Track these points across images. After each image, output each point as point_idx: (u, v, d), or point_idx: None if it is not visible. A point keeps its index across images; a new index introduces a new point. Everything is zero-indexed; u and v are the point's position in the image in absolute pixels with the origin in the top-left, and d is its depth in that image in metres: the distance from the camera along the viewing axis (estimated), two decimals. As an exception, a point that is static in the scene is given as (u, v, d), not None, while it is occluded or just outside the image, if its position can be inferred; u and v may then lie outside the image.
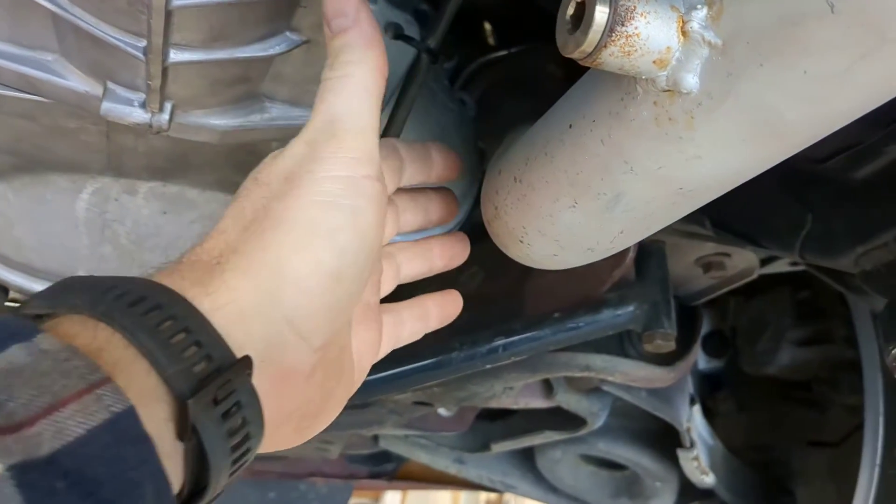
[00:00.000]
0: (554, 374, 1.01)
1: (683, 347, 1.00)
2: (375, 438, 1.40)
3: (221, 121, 0.61)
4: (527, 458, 1.46)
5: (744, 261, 0.99)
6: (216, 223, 0.50)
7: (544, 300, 0.92)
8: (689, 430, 1.20)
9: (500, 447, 1.32)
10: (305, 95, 0.61)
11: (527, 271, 0.94)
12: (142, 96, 0.57)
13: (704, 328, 1.36)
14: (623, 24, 0.37)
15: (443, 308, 0.67)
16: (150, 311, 0.41)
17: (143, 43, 0.51)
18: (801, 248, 0.73)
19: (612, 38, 0.38)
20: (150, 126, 0.58)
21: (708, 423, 1.32)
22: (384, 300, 0.63)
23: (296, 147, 0.50)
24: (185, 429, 0.39)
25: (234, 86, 0.58)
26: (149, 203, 0.74)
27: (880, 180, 0.65)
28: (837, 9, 0.32)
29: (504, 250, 0.61)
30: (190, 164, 0.70)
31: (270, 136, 0.64)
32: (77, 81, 0.58)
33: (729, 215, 0.81)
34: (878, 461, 1.10)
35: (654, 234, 0.54)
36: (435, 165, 0.64)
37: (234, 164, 0.70)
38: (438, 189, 0.66)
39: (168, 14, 0.48)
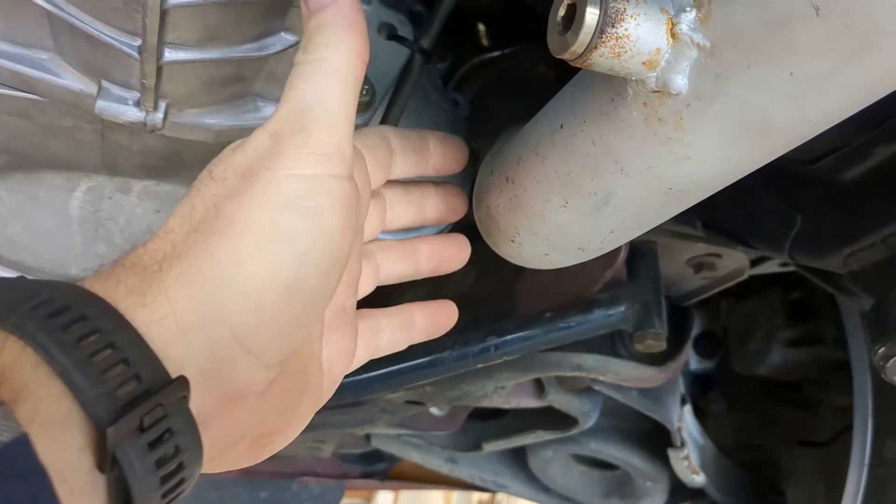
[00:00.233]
0: (545, 374, 1.01)
1: (674, 347, 1.01)
2: (367, 437, 1.40)
3: (216, 120, 0.61)
4: (518, 458, 1.46)
5: (734, 261, 0.99)
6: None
7: (536, 300, 0.92)
8: (679, 429, 1.20)
9: (491, 447, 1.32)
10: (299, 95, 0.62)
11: (519, 271, 0.94)
12: (136, 95, 0.57)
13: (696, 329, 1.37)
14: (613, 26, 0.38)
15: (432, 319, 0.61)
16: (72, 324, 0.36)
17: (138, 42, 0.52)
18: (791, 248, 0.73)
19: (603, 40, 0.38)
20: (145, 125, 0.58)
21: (699, 423, 1.33)
22: (368, 303, 0.59)
23: (258, 139, 0.46)
24: (105, 460, 0.35)
25: (228, 85, 0.59)
26: (142, 202, 0.74)
27: (868, 182, 0.66)
28: (822, 12, 0.33)
29: (495, 250, 0.62)
30: (184, 162, 0.70)
31: (264, 136, 0.64)
32: (72, 80, 0.58)
33: (719, 216, 0.82)
34: (866, 461, 1.10)
35: (646, 234, 0.55)
36: (432, 156, 0.59)
37: (227, 163, 0.70)
38: (440, 183, 0.61)
39: (163, 13, 0.48)
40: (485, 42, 1.03)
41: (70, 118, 0.63)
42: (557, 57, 0.40)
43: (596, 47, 0.38)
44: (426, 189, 0.61)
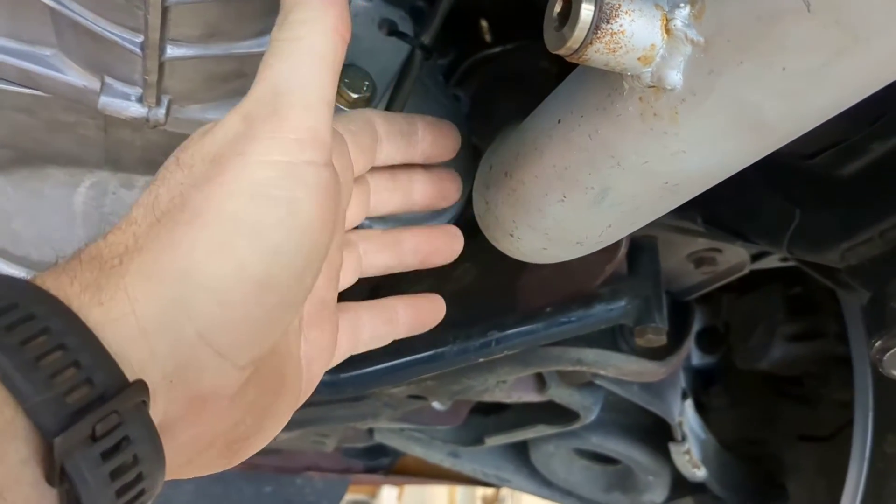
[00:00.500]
0: (546, 368, 1.02)
1: (675, 342, 1.01)
2: (370, 432, 1.41)
3: (218, 115, 0.62)
4: (521, 453, 1.47)
5: (735, 256, 1.00)
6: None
7: (537, 295, 0.93)
8: (680, 423, 1.21)
9: (493, 441, 1.33)
10: (300, 91, 0.62)
11: (520, 266, 0.94)
12: (139, 91, 0.58)
13: (698, 324, 1.37)
14: (608, 22, 0.38)
15: (417, 314, 0.58)
16: (18, 324, 0.33)
17: (140, 38, 0.52)
18: (789, 243, 0.74)
19: (598, 36, 0.39)
20: (147, 120, 0.59)
21: (701, 418, 1.34)
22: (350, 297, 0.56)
23: (229, 122, 0.42)
24: (53, 472, 0.32)
25: (229, 81, 0.59)
26: (146, 197, 0.75)
27: (865, 177, 0.66)
28: (813, 8, 0.33)
29: (495, 244, 0.62)
30: (186, 158, 0.71)
31: (266, 131, 0.65)
32: (75, 76, 0.59)
33: (719, 211, 0.82)
34: (867, 455, 1.11)
35: (647, 229, 0.55)
36: (421, 142, 0.56)
37: (230, 158, 0.71)
38: (430, 167, 0.58)
39: (164, 10, 0.49)
40: (487, 38, 1.04)
41: (73, 114, 0.63)
42: (553, 52, 0.41)
43: (591, 43, 0.39)
44: (414, 173, 0.57)
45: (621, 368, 0.98)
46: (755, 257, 1.01)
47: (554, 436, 1.31)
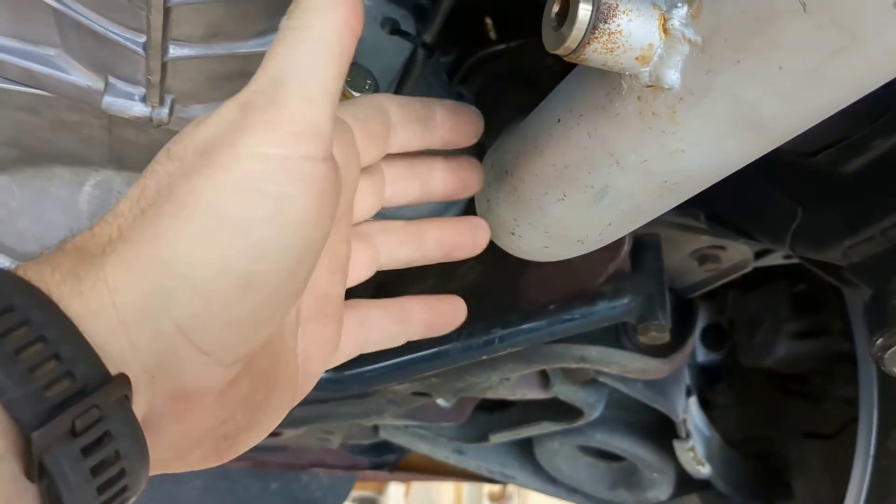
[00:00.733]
0: (550, 366, 1.02)
1: (679, 339, 1.01)
2: (376, 429, 1.42)
3: (221, 115, 0.62)
4: (525, 449, 1.47)
5: (738, 254, 1.00)
6: None
7: (540, 292, 0.93)
8: (684, 421, 1.21)
9: (498, 438, 1.33)
10: (303, 90, 0.62)
11: (523, 264, 0.94)
12: (142, 91, 0.58)
13: (702, 321, 1.37)
14: (605, 22, 0.39)
15: (434, 315, 0.56)
16: (1, 314, 0.33)
17: (143, 39, 0.53)
18: (792, 240, 0.74)
19: (595, 35, 0.39)
20: (151, 120, 0.59)
21: (706, 415, 1.34)
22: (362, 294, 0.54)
23: (225, 111, 0.40)
24: (32, 467, 0.32)
25: (232, 80, 0.59)
26: (150, 195, 0.75)
27: (868, 174, 0.66)
28: (809, 7, 0.33)
29: (497, 242, 0.62)
30: (190, 157, 0.71)
31: (268, 130, 0.65)
32: (79, 76, 0.59)
33: (722, 208, 0.82)
34: (871, 452, 1.11)
35: (650, 226, 0.55)
36: (439, 128, 0.53)
37: (233, 157, 0.71)
38: (448, 155, 0.56)
39: (167, 10, 0.49)
40: (491, 35, 1.04)
41: (77, 113, 0.64)
42: (551, 52, 0.41)
43: (589, 43, 0.39)
44: (433, 161, 0.55)
45: (625, 366, 0.98)
46: (758, 255, 1.01)
47: (558, 433, 1.31)
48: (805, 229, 0.72)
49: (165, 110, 0.59)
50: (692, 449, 1.25)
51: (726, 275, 1.04)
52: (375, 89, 0.67)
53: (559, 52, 0.40)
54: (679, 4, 0.39)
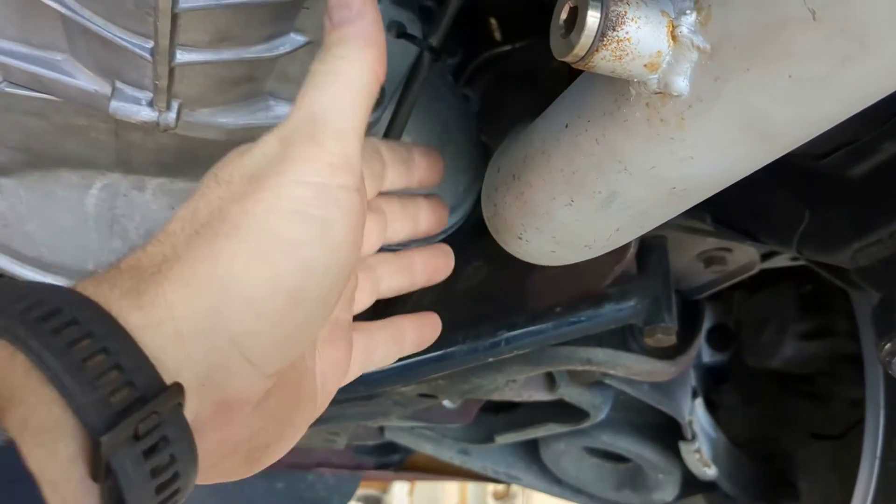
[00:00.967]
0: (556, 368, 1.02)
1: (685, 341, 1.01)
2: (381, 429, 1.42)
3: (228, 119, 0.62)
4: (531, 450, 1.47)
5: (745, 255, 0.99)
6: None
7: (547, 294, 0.93)
8: (690, 422, 1.21)
9: (503, 439, 1.33)
10: (309, 94, 0.62)
11: (530, 266, 0.95)
12: (149, 95, 0.58)
13: (709, 322, 1.37)
14: (614, 29, 0.38)
15: (420, 331, 0.62)
16: (64, 328, 0.35)
17: (150, 44, 0.53)
18: (799, 243, 0.74)
19: (604, 43, 0.39)
20: (158, 124, 0.59)
21: (712, 415, 1.33)
22: (361, 316, 0.58)
23: (267, 143, 0.45)
24: (99, 468, 0.34)
25: (239, 85, 0.59)
26: (157, 198, 0.76)
27: (876, 177, 0.66)
28: (819, 16, 0.33)
29: (503, 246, 0.62)
30: (197, 160, 0.71)
31: (275, 134, 0.65)
32: (86, 81, 0.59)
33: (729, 211, 0.82)
34: (878, 453, 1.10)
35: (656, 229, 0.55)
36: (417, 169, 0.59)
37: (240, 160, 0.71)
38: (428, 196, 0.62)
39: (174, 16, 0.49)
40: (496, 36, 1.04)
41: (84, 118, 0.64)
42: (559, 59, 0.41)
43: (597, 50, 0.39)
44: (418, 202, 0.61)
45: (631, 368, 0.98)
46: (765, 256, 1.01)
47: (564, 434, 1.31)
48: (812, 232, 0.72)
49: (172, 115, 0.59)
50: (698, 450, 1.24)
51: (733, 276, 1.04)
52: (382, 93, 0.67)
53: (567, 59, 0.40)
54: (688, 11, 0.39)
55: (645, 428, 1.30)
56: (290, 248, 0.42)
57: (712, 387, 1.42)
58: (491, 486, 4.10)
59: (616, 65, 0.39)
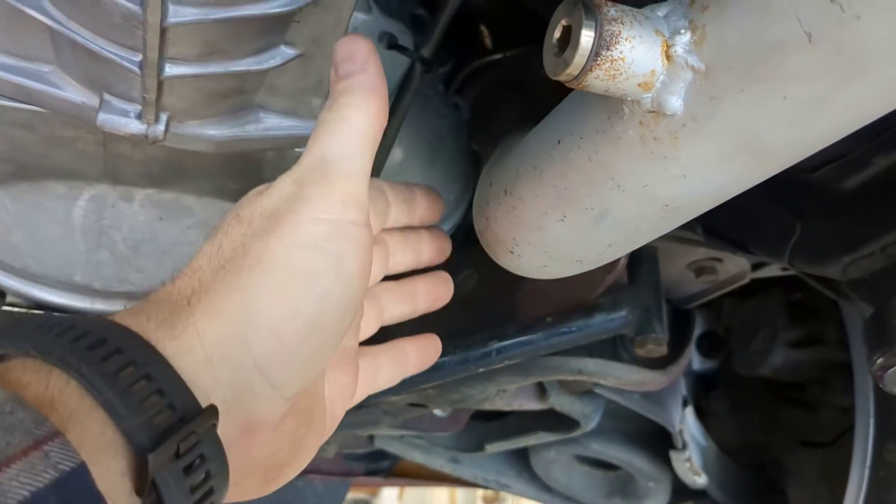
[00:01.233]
0: (546, 378, 1.01)
1: (676, 351, 1.01)
2: (371, 438, 1.41)
3: (217, 131, 0.62)
4: (521, 458, 1.47)
5: (735, 266, 0.99)
6: (198, 251, 0.48)
7: (538, 304, 0.93)
8: (681, 431, 1.21)
9: (494, 448, 1.32)
10: (300, 107, 0.62)
11: (521, 276, 0.94)
12: (138, 108, 0.57)
13: (698, 329, 1.37)
14: (608, 49, 0.38)
15: (422, 353, 0.65)
16: (110, 356, 0.38)
17: (139, 57, 0.52)
18: (790, 255, 0.73)
19: (598, 62, 0.38)
20: (146, 137, 0.59)
21: (701, 423, 1.33)
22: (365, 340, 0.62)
23: (283, 184, 0.49)
24: (145, 485, 0.37)
25: (229, 97, 0.59)
26: (145, 209, 0.75)
27: (868, 190, 0.66)
28: (815, 38, 0.33)
29: (495, 259, 0.62)
30: (186, 171, 0.70)
31: (265, 146, 0.64)
32: (74, 92, 0.59)
33: (720, 222, 0.82)
34: (868, 462, 1.10)
35: (647, 239, 0.55)
36: (419, 207, 0.63)
37: (230, 171, 0.71)
38: (430, 228, 0.66)
39: (163, 30, 0.48)
40: (487, 44, 1.04)
41: (72, 129, 0.63)
42: (553, 78, 0.40)
43: (591, 69, 0.38)
44: (420, 234, 0.64)
45: (622, 378, 0.98)
46: (756, 266, 1.01)
47: (554, 442, 1.31)
48: (804, 244, 0.72)
49: (161, 127, 0.58)
50: (688, 459, 1.24)
51: (723, 286, 1.04)
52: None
53: (560, 78, 0.40)
54: (682, 31, 0.38)
55: (635, 436, 1.30)
56: (308, 280, 0.46)
57: (702, 394, 1.42)
58: (480, 491, 4.10)
59: (610, 84, 0.39)
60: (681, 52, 0.38)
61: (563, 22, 0.40)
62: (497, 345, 0.91)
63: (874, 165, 0.65)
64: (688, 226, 0.85)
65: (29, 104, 0.60)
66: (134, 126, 0.58)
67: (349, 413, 1.12)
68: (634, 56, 0.38)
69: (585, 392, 1.12)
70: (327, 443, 1.39)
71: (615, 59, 0.38)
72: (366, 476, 1.78)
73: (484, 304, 0.94)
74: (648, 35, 0.38)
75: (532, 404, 1.13)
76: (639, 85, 0.39)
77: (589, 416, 1.14)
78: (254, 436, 0.46)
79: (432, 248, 0.65)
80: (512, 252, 0.58)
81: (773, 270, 1.02)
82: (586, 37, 0.38)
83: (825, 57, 0.33)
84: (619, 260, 0.89)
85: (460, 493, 4.32)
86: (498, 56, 0.96)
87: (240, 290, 0.45)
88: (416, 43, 0.71)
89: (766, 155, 0.40)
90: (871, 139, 0.63)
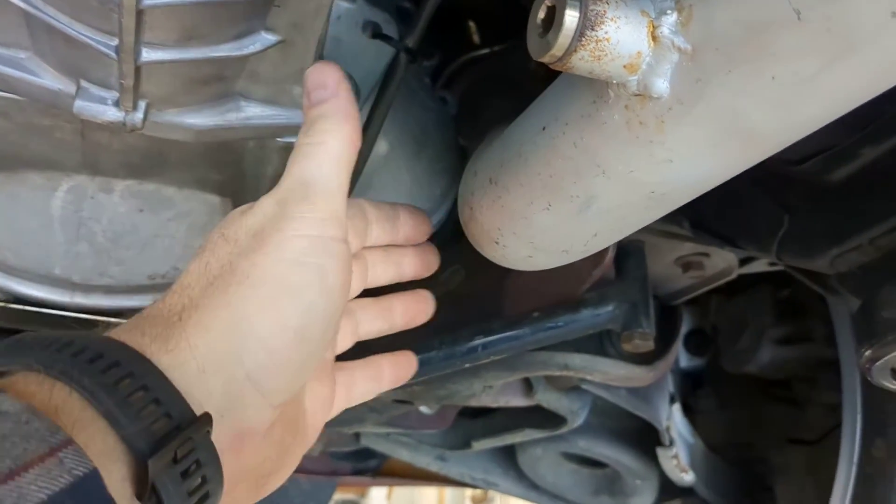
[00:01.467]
0: (533, 373, 1.01)
1: (663, 347, 1.00)
2: (357, 436, 1.40)
3: (197, 120, 0.61)
4: (508, 456, 1.46)
5: (723, 261, 0.99)
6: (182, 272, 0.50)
7: (524, 299, 0.92)
8: (668, 428, 1.20)
9: (481, 445, 1.32)
10: (281, 95, 0.61)
11: (507, 270, 0.93)
12: (115, 95, 0.56)
13: (686, 326, 1.36)
14: (593, 29, 0.37)
15: (396, 369, 0.67)
16: (109, 369, 0.40)
17: (115, 42, 0.51)
18: (778, 249, 0.73)
19: (582, 43, 0.37)
20: (125, 124, 0.57)
21: (689, 420, 1.33)
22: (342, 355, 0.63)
23: (266, 205, 0.51)
24: (145, 489, 0.39)
25: (208, 85, 0.58)
26: (125, 201, 0.74)
27: (856, 183, 0.65)
28: (804, 16, 0.32)
29: (480, 250, 0.61)
30: (166, 162, 0.69)
31: (247, 135, 0.63)
32: (50, 79, 0.57)
33: (707, 216, 0.81)
34: (855, 459, 1.10)
35: (634, 234, 0.54)
36: (402, 227, 0.65)
37: (211, 162, 0.70)
38: (417, 245, 0.67)
39: (139, 13, 0.47)
40: (474, 39, 1.03)
41: (49, 117, 0.62)
42: (537, 59, 0.39)
43: (576, 50, 0.38)
44: (403, 249, 0.66)
45: (608, 374, 0.97)
46: (743, 262, 1.00)
47: (541, 439, 1.30)
48: (792, 238, 0.71)
49: (139, 115, 0.57)
50: (675, 456, 1.24)
51: (711, 282, 1.04)
52: (357, 94, 0.65)
53: (545, 59, 0.39)
54: (668, 12, 0.38)
55: (622, 433, 1.30)
56: (294, 293, 0.49)
57: (689, 392, 1.42)
58: (469, 490, 4.09)
59: (595, 65, 0.38)
60: (667, 32, 0.38)
61: (548, 2, 0.39)
62: (483, 340, 0.90)
63: (861, 157, 0.64)
64: (675, 220, 0.85)
65: (4, 91, 0.59)
66: (111, 113, 0.57)
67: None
68: (620, 37, 0.38)
69: (572, 388, 1.12)
70: (312, 441, 1.38)
71: (600, 40, 0.37)
72: (353, 475, 1.76)
73: (470, 300, 0.94)
74: (634, 15, 0.38)
75: (519, 401, 1.12)
76: (624, 67, 0.39)
77: (576, 412, 1.13)
78: (245, 443, 0.48)
79: (416, 264, 0.66)
80: (497, 243, 0.58)
81: (760, 266, 1.02)
82: (570, 17, 0.37)
83: (814, 35, 0.33)
84: (605, 255, 0.88)
85: (448, 493, 4.32)
86: (485, 51, 0.95)
87: (229, 306, 0.47)
88: (401, 33, 0.70)
89: (754, 139, 0.39)
90: (858, 131, 0.63)
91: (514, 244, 0.56)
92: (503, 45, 0.94)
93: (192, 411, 0.43)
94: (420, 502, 4.55)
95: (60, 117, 0.62)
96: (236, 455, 0.47)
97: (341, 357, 0.64)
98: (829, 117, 0.38)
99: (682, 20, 0.37)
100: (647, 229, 0.91)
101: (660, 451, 1.24)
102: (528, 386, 1.11)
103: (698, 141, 0.40)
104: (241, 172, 0.70)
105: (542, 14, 0.40)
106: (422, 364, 0.93)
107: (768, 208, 0.73)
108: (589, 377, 0.99)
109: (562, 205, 0.49)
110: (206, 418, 0.43)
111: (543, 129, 0.48)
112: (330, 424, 1.18)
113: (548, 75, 0.83)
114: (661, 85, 0.39)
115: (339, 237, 0.52)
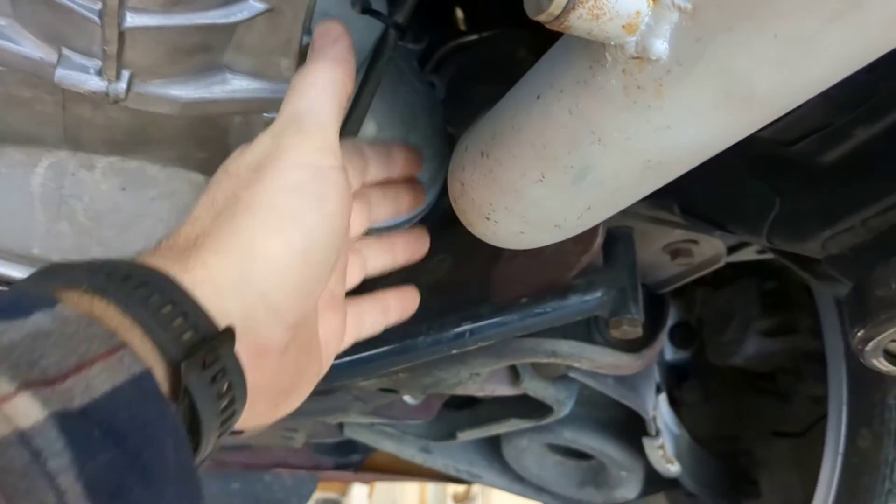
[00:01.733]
0: (520, 360, 1.00)
1: (650, 335, 1.00)
2: (340, 427, 1.39)
3: (182, 92, 0.59)
4: (493, 448, 1.45)
5: (711, 248, 0.98)
6: (183, 209, 0.55)
7: (512, 285, 0.91)
8: (654, 418, 1.20)
9: (466, 436, 1.31)
10: (268, 67, 0.60)
11: (495, 257, 0.93)
12: (98, 64, 0.55)
13: (671, 319, 1.36)
14: (592, -14, 0.36)
15: (402, 302, 0.72)
16: (139, 287, 0.44)
17: (99, 6, 0.50)
18: (769, 232, 0.72)
19: (580, 0, 0.37)
20: (108, 95, 0.56)
21: (674, 413, 1.33)
22: (352, 293, 0.68)
23: (263, 140, 0.55)
24: (179, 390, 0.43)
25: (194, 54, 0.57)
26: (107, 179, 0.72)
27: (848, 163, 0.65)
28: (809, -31, 0.31)
29: (470, 228, 0.60)
30: (150, 138, 0.68)
31: (232, 110, 0.62)
32: (31, 47, 0.56)
33: (697, 200, 0.81)
34: (841, 450, 1.10)
35: (623, 219, 0.54)
36: (397, 162, 0.70)
37: (196, 139, 0.68)
38: (406, 179, 0.72)
39: (124, -26, 0.46)
40: (463, 25, 1.02)
41: (29, 88, 0.61)
42: (533, 18, 0.39)
43: (574, 8, 0.37)
44: (397, 186, 0.71)
45: (596, 360, 0.96)
46: (731, 249, 1.00)
47: (527, 430, 1.29)
48: (783, 220, 0.71)
49: (123, 85, 0.56)
50: (661, 447, 1.23)
51: (699, 269, 1.03)
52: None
53: (541, 18, 0.38)
54: (669, -32, 0.37)
55: (608, 424, 1.29)
56: (296, 218, 0.52)
57: (675, 384, 1.41)
58: (451, 488, 4.09)
59: (593, 25, 0.37)
60: (667, -10, 0.37)
61: (545, -41, 0.38)
62: (470, 326, 0.90)
63: (854, 138, 0.63)
64: (664, 205, 0.84)
65: (-17, 60, 0.57)
66: (94, 83, 0.56)
67: (317, 399, 1.10)
68: (619, -6, 0.37)
69: (559, 377, 1.11)
70: (296, 430, 1.37)
71: (599, -2, 0.37)
72: (335, 470, 1.75)
73: (458, 288, 0.93)
74: (634, -28, 0.37)
75: (505, 389, 1.11)
76: (623, 27, 0.38)
77: (562, 401, 1.13)
78: (262, 360, 0.51)
79: (409, 197, 0.72)
80: (488, 219, 0.57)
81: (748, 253, 1.01)
82: (569, -27, 0.36)
83: (819, -11, 0.32)
84: (594, 240, 0.88)
85: (431, 491, 4.31)
86: (474, 37, 0.95)
87: (236, 232, 0.51)
88: (390, 9, 0.69)
89: (755, 101, 0.38)
90: (851, 110, 0.62)
91: (506, 220, 0.55)
92: (492, 31, 0.94)
93: (215, 325, 0.46)
94: (402, 501, 4.54)
95: (41, 88, 0.60)
96: (255, 370, 0.50)
97: (351, 294, 0.68)
98: (832, 78, 0.37)
99: (682, -22, 0.36)
100: (636, 215, 0.91)
101: (646, 441, 1.24)
102: (514, 374, 1.11)
103: (697, 105, 0.39)
104: (226, 149, 0.68)
105: (539, -29, 0.39)
106: (409, 350, 0.92)
107: (759, 191, 0.73)
108: (576, 364, 0.98)
109: (556, 175, 0.48)
110: (230, 331, 0.46)
111: (538, 97, 0.47)
112: (314, 414, 1.17)
113: (536, 61, 0.82)
114: (660, 46, 0.38)
115: (335, 166, 0.55)
